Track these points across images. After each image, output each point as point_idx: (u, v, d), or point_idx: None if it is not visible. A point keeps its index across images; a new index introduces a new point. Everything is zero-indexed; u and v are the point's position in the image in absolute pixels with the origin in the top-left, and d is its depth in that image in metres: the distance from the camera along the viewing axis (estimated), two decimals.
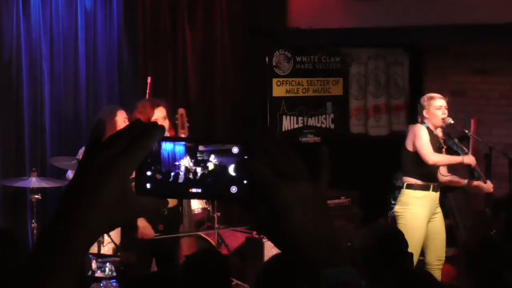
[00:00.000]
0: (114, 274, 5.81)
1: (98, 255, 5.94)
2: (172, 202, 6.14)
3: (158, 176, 1.12)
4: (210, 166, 1.12)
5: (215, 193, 1.14)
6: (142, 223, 6.05)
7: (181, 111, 6.59)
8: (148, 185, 1.12)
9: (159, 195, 1.13)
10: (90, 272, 5.83)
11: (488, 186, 6.74)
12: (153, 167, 1.12)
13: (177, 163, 1.12)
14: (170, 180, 1.12)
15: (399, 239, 3.89)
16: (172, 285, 3.48)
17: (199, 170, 1.12)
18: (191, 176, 1.12)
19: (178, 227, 6.44)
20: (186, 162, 1.12)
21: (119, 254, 6.15)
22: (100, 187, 1.05)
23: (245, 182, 1.11)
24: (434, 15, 8.01)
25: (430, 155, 6.43)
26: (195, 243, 6.35)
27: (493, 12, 7.66)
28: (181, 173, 1.12)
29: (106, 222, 1.07)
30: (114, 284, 5.69)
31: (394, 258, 3.67)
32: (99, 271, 5.86)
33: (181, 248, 6.30)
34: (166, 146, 1.12)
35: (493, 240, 3.59)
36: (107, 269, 5.87)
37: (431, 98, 6.60)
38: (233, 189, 1.12)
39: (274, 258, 3.30)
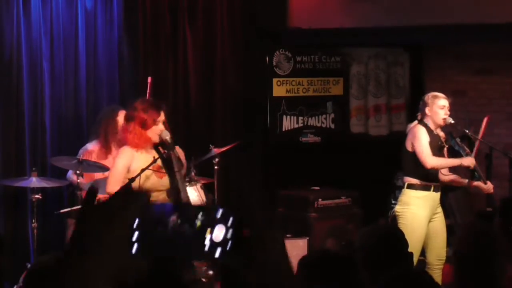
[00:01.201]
0: None
1: None
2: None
3: (147, 236, 1.14)
4: (197, 223, 1.14)
5: (201, 254, 1.17)
6: None
7: None
8: (135, 246, 1.14)
9: (148, 253, 1.15)
10: None
11: (488, 187, 6.73)
12: (141, 228, 1.14)
13: (165, 221, 1.14)
14: (158, 237, 1.14)
15: (399, 238, 3.88)
16: (170, 284, 3.46)
17: (186, 227, 1.14)
18: (178, 233, 1.14)
19: None
20: (174, 219, 1.14)
21: None
22: (94, 245, 1.15)
23: (228, 247, 1.13)
24: (434, 15, 8.00)
25: (429, 160, 6.42)
26: None
27: (493, 12, 7.65)
28: (170, 231, 1.14)
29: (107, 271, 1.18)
30: None
31: (394, 258, 3.66)
32: None
33: None
34: (155, 207, 1.14)
35: (483, 248, 3.55)
36: None
37: (435, 97, 6.60)
38: (217, 252, 1.14)
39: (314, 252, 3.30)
